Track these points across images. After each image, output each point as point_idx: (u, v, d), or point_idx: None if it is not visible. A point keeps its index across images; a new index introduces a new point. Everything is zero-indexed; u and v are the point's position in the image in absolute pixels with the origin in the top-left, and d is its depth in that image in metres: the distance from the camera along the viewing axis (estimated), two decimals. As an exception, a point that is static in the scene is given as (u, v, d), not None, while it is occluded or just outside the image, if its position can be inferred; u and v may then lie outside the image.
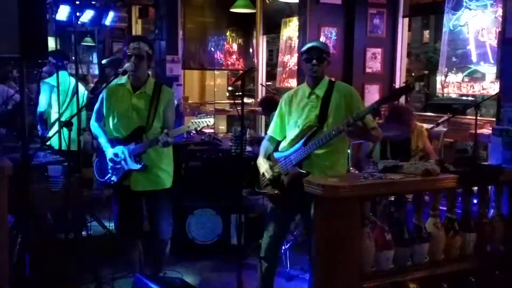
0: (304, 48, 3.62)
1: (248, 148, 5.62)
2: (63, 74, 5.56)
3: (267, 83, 9.18)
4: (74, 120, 4.06)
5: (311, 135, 3.55)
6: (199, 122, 3.77)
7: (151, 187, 3.90)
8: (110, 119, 3.94)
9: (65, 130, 4.11)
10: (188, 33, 8.19)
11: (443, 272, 3.12)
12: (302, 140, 3.57)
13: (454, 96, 11.05)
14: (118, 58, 8.53)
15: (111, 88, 3.95)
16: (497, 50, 5.05)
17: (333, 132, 3.39)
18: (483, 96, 5.32)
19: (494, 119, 4.86)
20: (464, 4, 5.48)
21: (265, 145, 3.89)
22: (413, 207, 3.10)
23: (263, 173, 3.77)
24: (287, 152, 3.67)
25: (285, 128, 3.77)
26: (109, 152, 3.91)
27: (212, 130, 7.14)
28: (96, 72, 11.72)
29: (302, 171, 3.53)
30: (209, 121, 3.87)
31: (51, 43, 5.20)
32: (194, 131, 3.91)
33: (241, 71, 9.37)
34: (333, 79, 3.71)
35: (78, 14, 5.00)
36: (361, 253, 2.84)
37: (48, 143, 4.89)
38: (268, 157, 3.81)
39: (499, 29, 4.57)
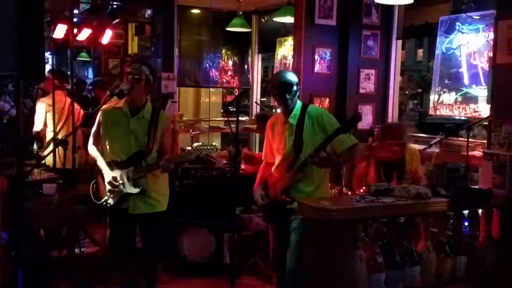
0: (277, 84, 3.71)
1: (243, 166, 5.66)
2: (59, 93, 5.60)
3: (262, 99, 9.25)
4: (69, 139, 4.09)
5: (291, 163, 3.70)
6: (202, 149, 3.76)
7: (149, 210, 3.90)
8: (108, 142, 3.89)
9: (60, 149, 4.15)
10: (183, 51, 8.25)
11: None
12: (284, 168, 3.74)
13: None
14: (100, 79, 8.59)
15: (108, 112, 3.91)
16: (489, 73, 5.12)
17: (299, 165, 3.59)
18: (475, 118, 5.38)
19: (486, 141, 4.92)
20: (457, 27, 5.56)
21: (261, 171, 4.07)
22: (404, 230, 3.14)
23: (256, 200, 3.95)
24: (275, 180, 3.83)
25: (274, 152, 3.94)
26: (108, 175, 3.89)
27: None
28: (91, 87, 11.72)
29: (287, 198, 3.69)
30: (212, 149, 3.84)
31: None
32: (195, 158, 3.91)
33: (236, 89, 9.46)
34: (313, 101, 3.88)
35: (75, 32, 5.03)
36: (353, 275, 2.87)
37: (43, 161, 4.92)
38: (265, 182, 3.96)
39: (491, 53, 4.65)
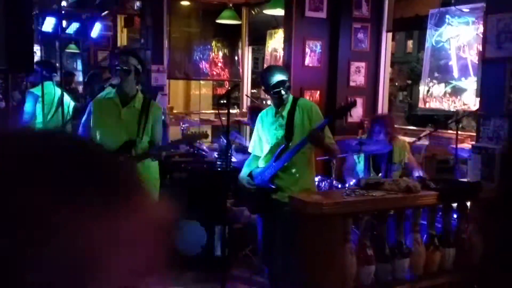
0: (272, 83, 3.82)
1: (234, 159, 5.66)
2: (48, 84, 5.57)
3: (252, 90, 9.25)
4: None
5: (280, 152, 3.83)
6: (193, 135, 3.86)
7: None
8: (98, 132, 3.91)
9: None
10: (173, 43, 8.22)
11: (423, 286, 3.19)
12: (273, 157, 3.87)
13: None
14: (95, 72, 8.54)
15: (99, 102, 3.95)
16: (478, 66, 5.15)
17: (298, 144, 3.73)
18: (464, 112, 5.42)
19: (475, 134, 4.96)
20: (447, 20, 5.58)
21: (248, 162, 4.20)
22: (394, 223, 3.16)
23: (242, 186, 4.09)
24: (262, 169, 3.96)
25: (263, 145, 4.07)
26: None
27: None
28: (80, 79, 11.66)
29: (272, 186, 3.84)
30: (204, 134, 3.95)
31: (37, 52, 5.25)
32: (186, 144, 3.99)
33: (226, 81, 9.44)
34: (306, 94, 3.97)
35: (64, 25, 4.99)
36: (343, 268, 2.89)
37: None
38: (250, 174, 4.07)
39: (480, 46, 4.68)
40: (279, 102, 3.88)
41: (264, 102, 8.32)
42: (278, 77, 3.80)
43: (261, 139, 4.04)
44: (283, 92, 3.80)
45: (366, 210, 3.04)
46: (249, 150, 4.21)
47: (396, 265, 3.07)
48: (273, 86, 3.80)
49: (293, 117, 3.86)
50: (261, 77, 4.10)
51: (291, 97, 3.93)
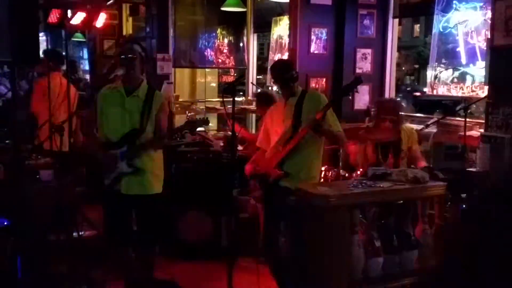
0: (279, 76, 4.06)
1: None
2: (55, 75, 5.56)
3: (258, 76, 9.21)
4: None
5: (288, 140, 3.95)
6: (195, 121, 3.95)
7: (142, 191, 3.90)
8: (104, 122, 3.93)
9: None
10: (178, 31, 8.15)
11: (432, 278, 3.18)
12: (280, 146, 4.00)
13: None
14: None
15: (105, 92, 3.95)
16: (486, 52, 5.09)
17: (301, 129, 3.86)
18: (472, 98, 5.36)
19: (483, 121, 4.90)
20: (454, 6, 5.51)
21: (255, 155, 4.35)
22: (402, 214, 3.14)
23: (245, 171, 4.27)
24: (269, 157, 4.08)
25: (270, 138, 4.20)
26: (102, 155, 3.91)
27: (202, 129, 7.11)
28: (87, 67, 11.64)
29: (280, 171, 3.92)
30: (205, 121, 4.05)
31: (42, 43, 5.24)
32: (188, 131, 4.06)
33: (232, 69, 9.39)
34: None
35: (69, 15, 4.97)
36: (351, 260, 2.89)
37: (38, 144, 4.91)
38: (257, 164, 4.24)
39: (488, 31, 4.62)
40: (288, 93, 4.02)
41: (270, 88, 8.28)
42: (286, 72, 3.99)
43: (269, 132, 4.18)
44: (291, 83, 3.99)
45: (374, 202, 3.02)
46: (257, 144, 4.33)
47: (404, 257, 3.06)
48: (282, 79, 4.00)
49: (301, 106, 3.98)
50: (271, 70, 4.23)
51: (300, 89, 4.08)
